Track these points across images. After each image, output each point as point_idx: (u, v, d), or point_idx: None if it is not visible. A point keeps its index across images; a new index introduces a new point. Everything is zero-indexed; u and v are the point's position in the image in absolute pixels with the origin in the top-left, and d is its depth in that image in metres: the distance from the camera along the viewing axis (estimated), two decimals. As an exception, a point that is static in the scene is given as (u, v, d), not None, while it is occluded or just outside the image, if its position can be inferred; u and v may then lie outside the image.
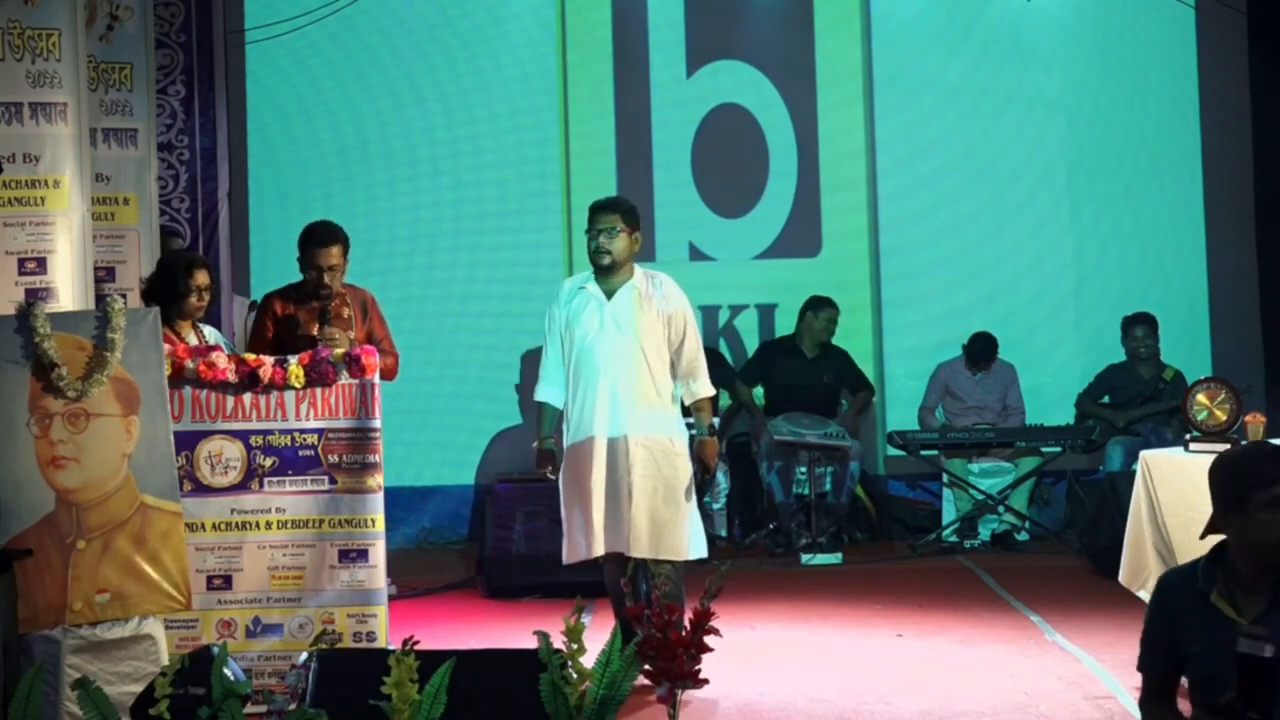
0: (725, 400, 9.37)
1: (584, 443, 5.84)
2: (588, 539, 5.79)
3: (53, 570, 4.98)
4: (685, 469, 5.86)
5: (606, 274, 5.91)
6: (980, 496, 9.00)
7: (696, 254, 9.82)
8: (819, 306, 9.27)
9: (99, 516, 5.06)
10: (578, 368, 5.89)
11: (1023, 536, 8.99)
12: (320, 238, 6.35)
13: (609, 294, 5.89)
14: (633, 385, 5.81)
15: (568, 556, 5.93)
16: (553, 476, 6.00)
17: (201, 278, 6.06)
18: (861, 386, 9.41)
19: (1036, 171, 9.90)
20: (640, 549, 5.71)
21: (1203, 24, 9.77)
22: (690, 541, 5.83)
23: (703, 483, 5.79)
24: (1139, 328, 9.16)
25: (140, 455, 5.13)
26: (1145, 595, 5.74)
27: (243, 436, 5.52)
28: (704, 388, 5.94)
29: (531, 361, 9.71)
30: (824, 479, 8.85)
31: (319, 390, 5.54)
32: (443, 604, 7.60)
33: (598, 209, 5.94)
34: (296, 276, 6.53)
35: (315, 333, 6.15)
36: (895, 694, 5.57)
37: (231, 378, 5.48)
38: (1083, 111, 9.88)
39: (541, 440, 6.01)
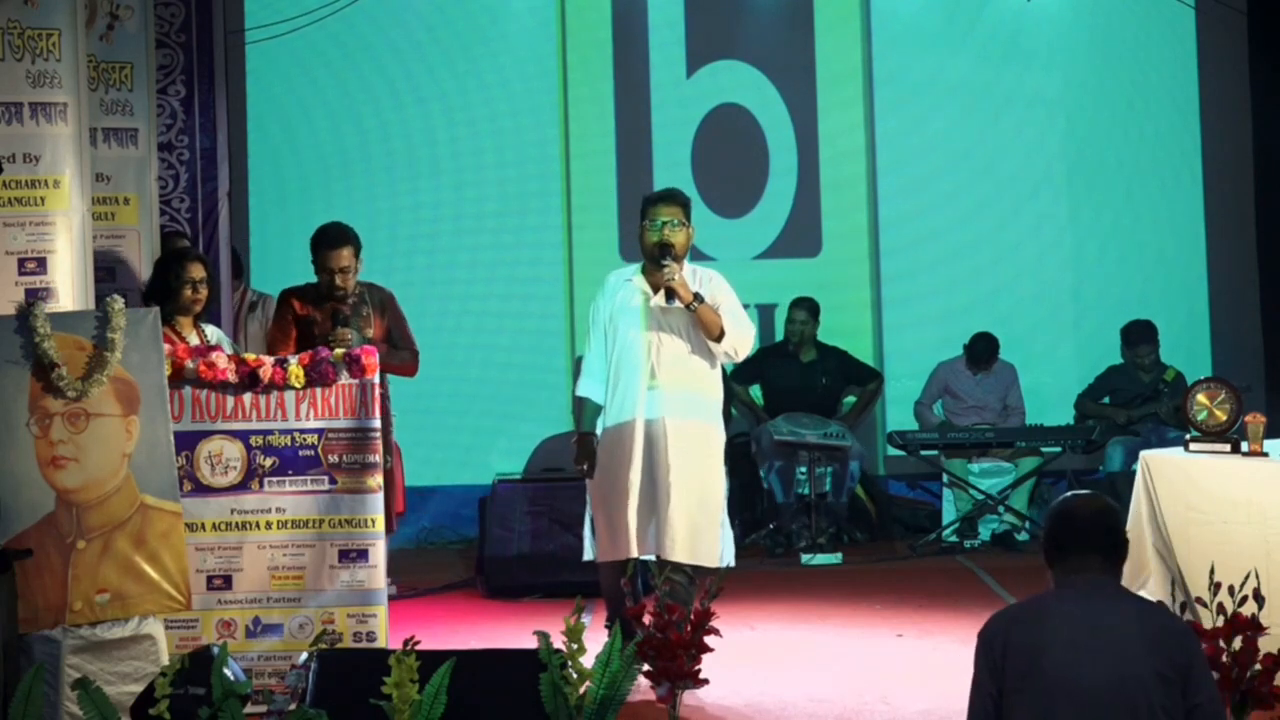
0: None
1: (621, 427, 5.73)
2: (622, 539, 5.69)
3: (53, 570, 4.98)
4: (719, 472, 5.82)
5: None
6: (980, 496, 8.99)
7: (696, 254, 9.75)
8: (792, 306, 9.29)
9: (99, 516, 5.06)
10: (620, 363, 5.79)
11: (1023, 536, 8.98)
12: (331, 240, 6.33)
13: (655, 287, 5.79)
14: (675, 378, 5.73)
15: (599, 555, 5.82)
16: (589, 477, 5.85)
17: (195, 270, 5.96)
18: (870, 378, 9.40)
19: (1036, 171, 9.89)
20: (676, 553, 5.64)
21: (1203, 24, 9.76)
22: (723, 549, 5.81)
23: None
24: (1141, 346, 9.11)
25: (140, 455, 5.13)
26: (1145, 595, 5.73)
27: (243, 436, 5.52)
28: (733, 329, 5.82)
29: (524, 361, 9.73)
30: (824, 479, 8.84)
31: (319, 390, 5.54)
32: (443, 604, 7.59)
33: (659, 200, 5.82)
34: (296, 275, 6.52)
35: (329, 334, 6.16)
36: (895, 694, 5.57)
37: (231, 378, 5.48)
38: (1083, 111, 9.87)
39: (581, 435, 5.88)
